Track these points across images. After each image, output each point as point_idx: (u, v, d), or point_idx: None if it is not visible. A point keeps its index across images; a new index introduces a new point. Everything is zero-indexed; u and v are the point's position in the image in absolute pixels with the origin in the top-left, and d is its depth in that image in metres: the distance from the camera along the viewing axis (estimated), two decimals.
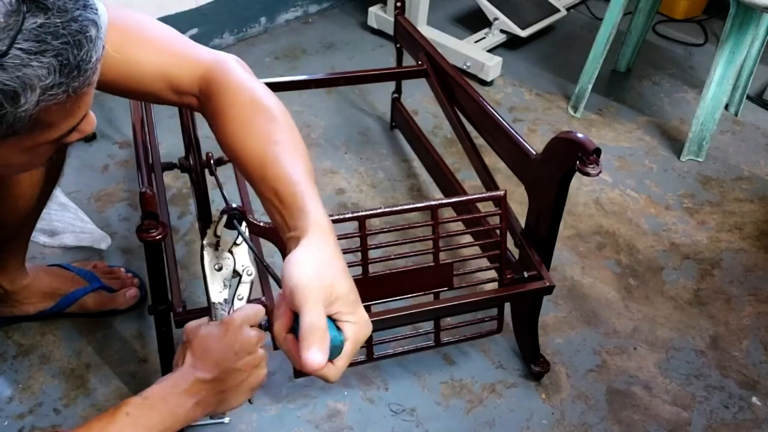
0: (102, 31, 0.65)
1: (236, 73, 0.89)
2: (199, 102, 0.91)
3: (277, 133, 0.84)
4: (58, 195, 1.69)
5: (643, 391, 1.41)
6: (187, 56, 0.90)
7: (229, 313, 0.90)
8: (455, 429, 1.32)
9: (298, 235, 0.77)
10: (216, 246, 0.92)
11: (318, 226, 0.77)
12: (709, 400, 1.41)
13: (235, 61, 0.92)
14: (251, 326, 0.88)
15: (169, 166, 1.44)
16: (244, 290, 0.93)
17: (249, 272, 0.94)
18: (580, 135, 1.09)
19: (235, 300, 0.92)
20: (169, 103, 0.94)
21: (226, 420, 1.29)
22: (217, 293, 0.91)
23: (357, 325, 0.74)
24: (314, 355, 0.70)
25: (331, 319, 0.74)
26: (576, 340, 1.50)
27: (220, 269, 0.92)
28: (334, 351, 0.73)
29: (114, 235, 1.63)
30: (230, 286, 0.92)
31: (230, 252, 0.93)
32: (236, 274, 0.93)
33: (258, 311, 0.90)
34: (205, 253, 0.92)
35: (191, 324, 0.89)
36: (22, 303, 1.38)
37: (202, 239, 0.92)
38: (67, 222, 1.62)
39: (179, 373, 0.84)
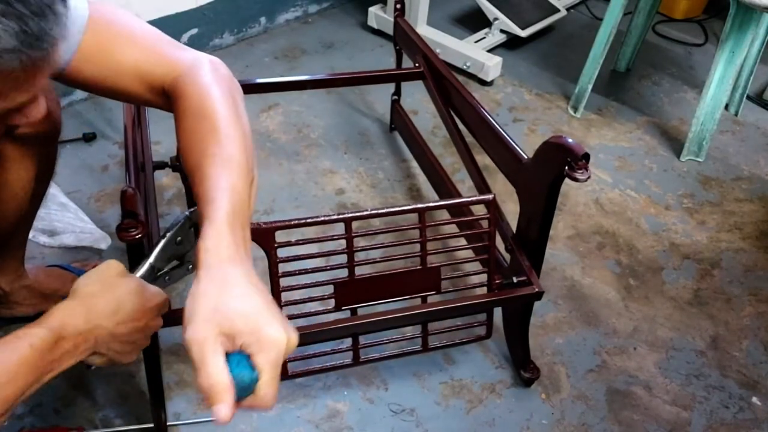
0: (70, 12, 0.66)
1: (199, 80, 0.86)
2: (169, 104, 0.89)
3: (213, 145, 0.81)
4: (58, 195, 1.69)
5: (643, 391, 1.41)
6: (166, 57, 0.89)
7: (152, 282, 0.91)
8: (455, 429, 1.32)
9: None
10: (192, 226, 0.94)
11: (207, 255, 0.72)
12: (709, 400, 1.41)
13: (210, 64, 0.89)
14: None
15: (160, 165, 1.44)
16: (175, 276, 0.95)
17: (190, 267, 0.96)
18: (569, 140, 1.09)
19: (162, 277, 0.93)
20: (147, 104, 0.93)
21: None
22: (159, 259, 0.92)
23: (266, 352, 0.68)
24: (219, 411, 0.67)
25: (242, 354, 0.69)
26: (576, 340, 1.50)
27: (178, 243, 0.93)
28: (250, 387, 0.69)
29: (114, 235, 1.62)
30: (170, 262, 0.94)
31: (197, 240, 0.94)
32: (182, 259, 0.95)
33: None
34: (182, 220, 0.93)
35: (117, 264, 0.86)
36: (21, 304, 1.38)
37: (189, 208, 0.93)
38: (67, 222, 1.62)
39: (85, 310, 0.80)
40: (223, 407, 0.67)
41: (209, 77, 0.87)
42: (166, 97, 0.89)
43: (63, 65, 0.84)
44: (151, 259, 0.92)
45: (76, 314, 0.80)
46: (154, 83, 0.89)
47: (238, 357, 0.69)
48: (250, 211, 0.81)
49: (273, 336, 0.69)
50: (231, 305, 0.69)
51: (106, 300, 0.83)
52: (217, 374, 0.67)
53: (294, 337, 0.71)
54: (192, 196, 1.39)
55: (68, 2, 0.65)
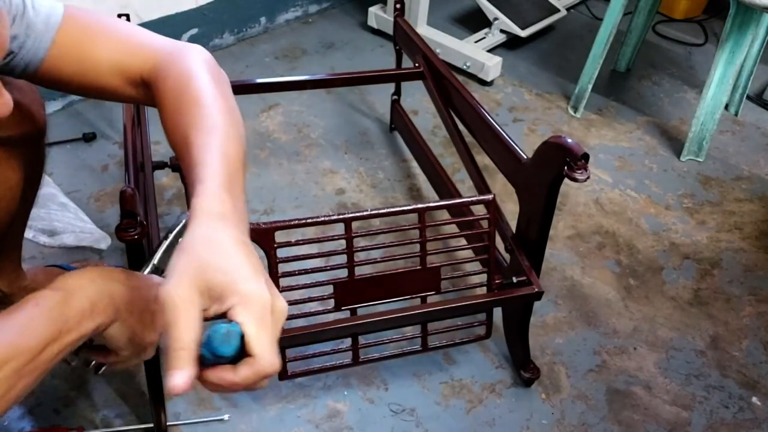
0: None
1: (180, 62, 0.85)
2: (150, 92, 0.88)
3: (198, 117, 0.79)
4: (58, 195, 1.69)
5: (643, 391, 1.41)
6: (142, 46, 0.88)
7: None
8: (455, 429, 1.32)
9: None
10: None
11: (199, 210, 0.69)
12: (709, 400, 1.41)
13: (194, 51, 0.88)
14: None
15: (159, 165, 1.44)
16: None
17: None
18: (568, 140, 1.08)
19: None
20: (128, 99, 0.92)
21: (226, 417, 1.29)
22: (164, 260, 0.92)
23: (245, 306, 0.63)
24: (174, 377, 0.61)
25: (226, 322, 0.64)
26: (576, 340, 1.50)
27: None
28: (232, 342, 0.63)
29: (114, 235, 1.62)
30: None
31: None
32: None
33: None
34: (183, 220, 0.93)
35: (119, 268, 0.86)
36: None
37: (189, 209, 0.94)
38: (67, 222, 1.62)
39: (91, 275, 0.78)
40: (179, 375, 0.61)
41: (190, 60, 0.85)
42: (146, 87, 0.88)
43: (37, 61, 0.85)
44: (156, 259, 0.92)
45: (82, 277, 0.78)
46: (132, 74, 0.87)
47: (221, 324, 0.64)
48: (244, 181, 0.77)
49: (252, 290, 0.64)
50: (213, 261, 0.65)
51: (112, 271, 0.82)
52: (185, 336, 0.62)
53: (281, 303, 0.66)
54: (189, 201, 1.38)
55: None
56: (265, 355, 0.63)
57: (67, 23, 0.85)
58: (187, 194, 1.46)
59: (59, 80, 0.88)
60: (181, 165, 0.80)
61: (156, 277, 0.90)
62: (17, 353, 0.69)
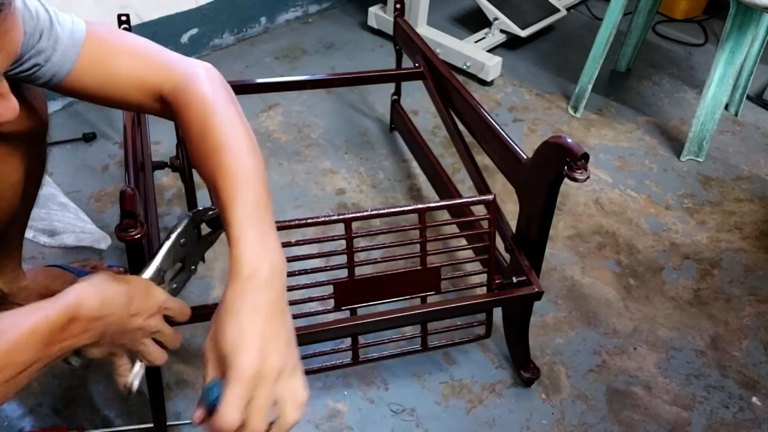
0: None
1: (198, 91, 0.89)
2: (170, 109, 0.93)
3: (225, 160, 0.84)
4: (58, 195, 1.69)
5: (643, 391, 1.41)
6: (161, 64, 0.92)
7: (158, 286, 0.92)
8: (455, 429, 1.32)
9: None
10: (195, 227, 0.95)
11: (230, 274, 0.78)
12: (709, 400, 1.41)
13: (205, 71, 0.92)
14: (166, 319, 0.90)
15: (160, 165, 1.44)
16: (180, 281, 0.96)
17: (193, 269, 0.97)
18: (568, 140, 1.08)
19: (169, 284, 0.94)
20: (147, 111, 0.96)
21: None
22: (166, 261, 0.93)
23: (230, 372, 0.73)
24: (194, 413, 0.74)
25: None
26: (576, 340, 1.50)
27: (183, 245, 0.94)
28: (215, 399, 0.73)
29: (114, 235, 1.63)
30: (174, 266, 0.95)
31: (199, 241, 0.95)
32: (184, 261, 0.96)
33: (187, 314, 0.93)
34: (186, 221, 0.94)
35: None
36: (20, 305, 1.37)
37: (190, 210, 0.93)
38: (67, 222, 1.62)
39: (100, 296, 0.80)
40: (197, 411, 0.75)
41: (208, 86, 0.90)
42: (165, 104, 0.92)
43: (62, 75, 0.89)
44: (158, 260, 0.92)
45: (91, 297, 0.80)
46: (152, 89, 0.92)
47: (217, 381, 0.74)
48: (271, 207, 0.84)
49: (239, 362, 0.73)
50: (225, 329, 0.75)
51: (118, 290, 0.83)
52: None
53: (270, 364, 0.74)
54: (192, 197, 1.38)
55: None
56: (224, 412, 0.71)
57: (90, 41, 0.89)
58: (187, 194, 1.45)
59: (81, 92, 0.92)
60: (211, 198, 0.88)
61: (162, 295, 0.89)
62: (11, 364, 0.72)
